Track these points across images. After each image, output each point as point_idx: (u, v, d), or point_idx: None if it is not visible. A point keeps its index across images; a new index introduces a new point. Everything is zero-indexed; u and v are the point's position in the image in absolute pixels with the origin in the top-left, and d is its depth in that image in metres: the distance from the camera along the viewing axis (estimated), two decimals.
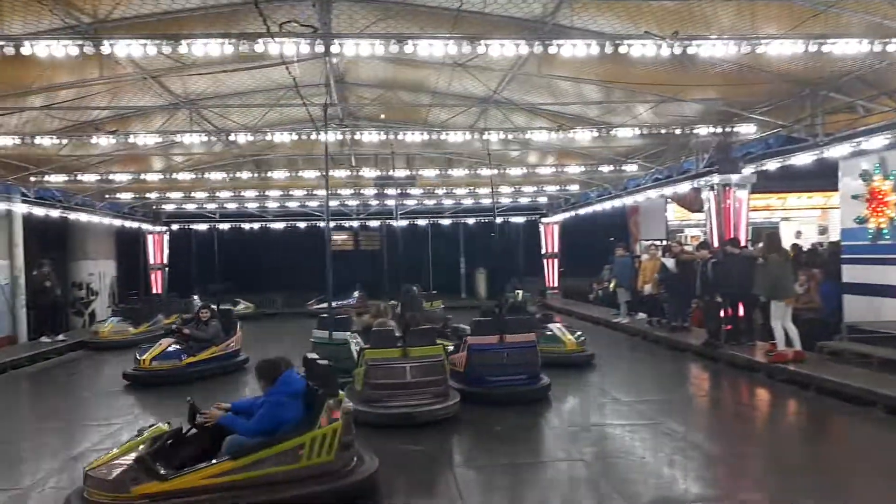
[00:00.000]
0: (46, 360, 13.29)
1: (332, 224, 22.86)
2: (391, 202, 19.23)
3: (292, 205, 21.18)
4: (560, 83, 11.14)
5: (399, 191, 17.62)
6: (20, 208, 15.08)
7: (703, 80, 10.09)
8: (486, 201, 21.74)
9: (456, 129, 12.30)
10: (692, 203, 17.02)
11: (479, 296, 24.52)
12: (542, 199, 22.17)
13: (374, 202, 20.95)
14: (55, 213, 16.12)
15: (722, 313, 11.51)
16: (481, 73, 10.23)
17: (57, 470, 6.39)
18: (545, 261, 23.72)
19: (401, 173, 15.15)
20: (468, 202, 21.85)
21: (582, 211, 20.83)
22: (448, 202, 22.19)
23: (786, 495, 5.45)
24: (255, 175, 15.71)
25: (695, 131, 11.54)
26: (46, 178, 14.41)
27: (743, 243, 11.82)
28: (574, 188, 19.61)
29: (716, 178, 12.59)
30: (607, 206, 19.05)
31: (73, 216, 17.33)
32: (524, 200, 21.74)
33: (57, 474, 6.26)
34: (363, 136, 11.99)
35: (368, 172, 15.64)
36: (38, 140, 10.88)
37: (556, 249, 23.49)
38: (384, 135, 12.14)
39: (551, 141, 13.23)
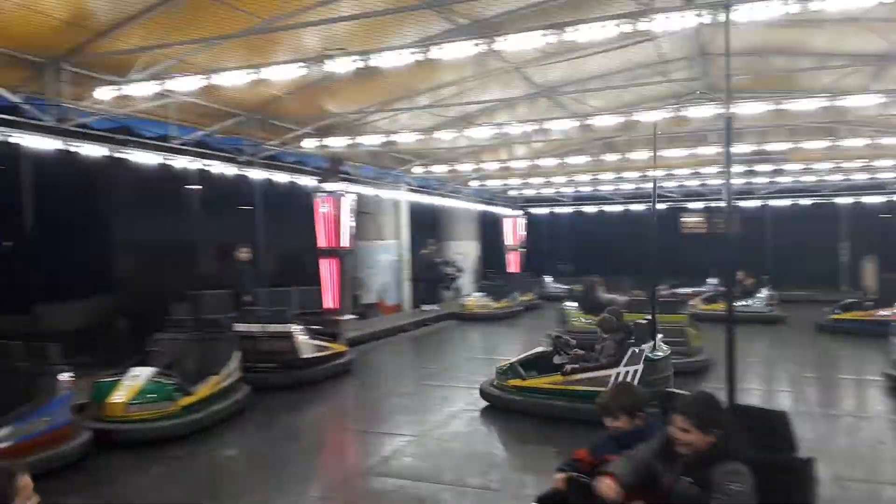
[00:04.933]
0: (425, 326, 15.43)
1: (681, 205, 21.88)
2: (739, 181, 17.49)
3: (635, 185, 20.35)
4: None
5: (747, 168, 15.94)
6: (406, 196, 17.39)
7: None
8: (881, 176, 18.12)
9: (847, 93, 10.45)
10: None
11: (867, 289, 20.67)
12: None
13: (741, 181, 19.03)
14: (429, 200, 18.26)
15: None
16: (880, 26, 8.60)
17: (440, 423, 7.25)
18: None
19: (773, 147, 13.74)
20: (859, 177, 18.25)
21: None
22: (831, 178, 18.77)
23: None
24: (595, 158, 15.49)
25: None
26: (424, 168, 16.26)
27: None
28: None
29: None
30: None
31: (443, 202, 19.39)
32: None
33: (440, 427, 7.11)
34: (734, 109, 10.91)
35: (734, 149, 14.30)
36: (420, 135, 12.26)
37: None
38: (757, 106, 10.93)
39: None
